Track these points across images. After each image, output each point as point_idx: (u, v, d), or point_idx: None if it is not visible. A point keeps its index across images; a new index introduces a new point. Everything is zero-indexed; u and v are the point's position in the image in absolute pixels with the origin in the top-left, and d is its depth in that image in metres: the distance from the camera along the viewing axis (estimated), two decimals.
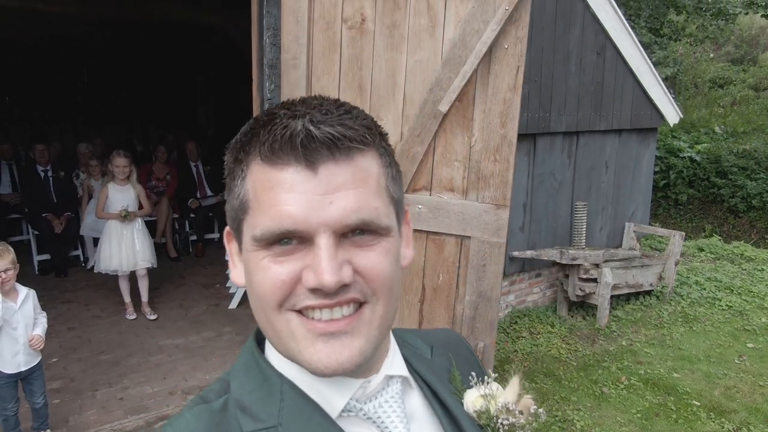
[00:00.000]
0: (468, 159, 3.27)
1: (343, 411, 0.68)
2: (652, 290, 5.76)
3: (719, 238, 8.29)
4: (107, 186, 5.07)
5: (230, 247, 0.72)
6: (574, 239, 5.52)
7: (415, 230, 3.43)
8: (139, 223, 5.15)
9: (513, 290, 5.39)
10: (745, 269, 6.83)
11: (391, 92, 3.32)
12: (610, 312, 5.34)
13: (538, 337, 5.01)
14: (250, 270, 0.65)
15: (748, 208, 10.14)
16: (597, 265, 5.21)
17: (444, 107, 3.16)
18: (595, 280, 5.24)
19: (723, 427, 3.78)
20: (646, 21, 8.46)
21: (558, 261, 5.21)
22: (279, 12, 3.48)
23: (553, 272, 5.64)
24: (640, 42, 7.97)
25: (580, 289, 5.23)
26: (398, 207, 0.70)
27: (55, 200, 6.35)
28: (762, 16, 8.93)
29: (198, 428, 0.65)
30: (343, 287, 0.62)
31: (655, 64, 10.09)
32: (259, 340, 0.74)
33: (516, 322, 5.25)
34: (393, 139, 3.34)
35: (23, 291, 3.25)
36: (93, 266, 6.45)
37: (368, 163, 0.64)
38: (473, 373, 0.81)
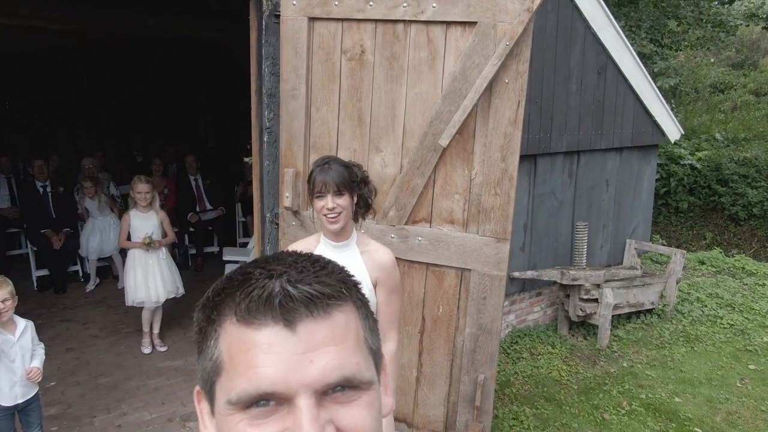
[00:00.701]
0: (468, 192, 3.24)
1: None
2: (654, 308, 5.74)
3: (720, 250, 8.26)
4: (129, 213, 4.90)
5: (200, 408, 0.69)
6: (575, 259, 5.50)
7: (415, 262, 3.41)
8: (163, 252, 5.00)
9: (513, 310, 5.37)
10: (747, 284, 6.81)
11: (391, 124, 3.29)
12: (611, 331, 5.32)
13: (539, 358, 4.99)
14: None
15: (749, 216, 10.13)
16: (598, 286, 5.19)
17: (444, 142, 3.13)
18: (596, 300, 5.22)
19: None
20: (647, 32, 8.43)
21: (559, 281, 5.19)
22: (278, 42, 3.46)
23: (554, 290, 5.62)
24: (641, 53, 7.95)
25: (581, 310, 5.21)
26: (377, 357, 0.69)
27: (53, 216, 6.32)
28: (763, 28, 8.90)
29: None
30: None
31: (657, 75, 10.05)
32: None
33: (516, 342, 5.23)
34: (393, 171, 3.32)
35: (21, 323, 3.24)
36: (93, 289, 6.43)
37: (346, 318, 0.64)
38: None
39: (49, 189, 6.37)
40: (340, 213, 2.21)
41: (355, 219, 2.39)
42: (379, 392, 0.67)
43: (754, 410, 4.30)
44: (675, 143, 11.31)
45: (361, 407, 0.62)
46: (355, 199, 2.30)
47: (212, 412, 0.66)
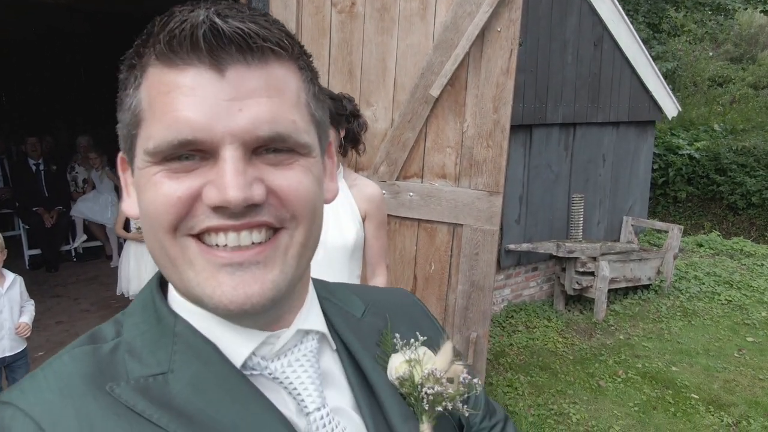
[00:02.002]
0: (460, 145, 3.19)
1: (245, 367, 0.59)
2: (650, 284, 5.69)
3: (718, 233, 8.21)
4: None
5: (125, 177, 0.63)
6: (571, 232, 5.45)
7: (407, 218, 3.35)
8: None
9: (509, 284, 5.31)
10: (745, 264, 6.75)
11: (382, 77, 3.25)
12: (607, 306, 5.27)
13: (534, 330, 4.94)
14: (141, 188, 0.56)
15: (748, 205, 10.08)
16: (594, 258, 5.14)
17: (435, 92, 3.08)
18: (592, 274, 5.17)
19: (722, 421, 3.70)
20: (644, 16, 8.39)
21: (555, 254, 5.13)
22: None
23: (550, 266, 5.57)
24: (639, 38, 7.89)
25: (578, 283, 5.16)
26: (321, 131, 0.61)
27: (46, 194, 6.29)
28: (761, 11, 8.85)
29: (74, 372, 0.55)
30: (253, 208, 0.53)
31: (654, 59, 10.02)
32: (163, 279, 0.64)
33: (512, 316, 5.18)
34: (383, 125, 3.27)
35: (10, 276, 3.22)
36: (78, 245, 6.50)
37: (286, 74, 0.56)
38: (397, 335, 0.69)
39: (42, 167, 6.33)
40: None
41: (343, 153, 2.33)
42: (320, 165, 0.61)
43: (751, 378, 4.24)
44: (672, 133, 11.28)
45: (298, 171, 0.56)
46: (343, 132, 2.25)
47: (133, 175, 0.59)
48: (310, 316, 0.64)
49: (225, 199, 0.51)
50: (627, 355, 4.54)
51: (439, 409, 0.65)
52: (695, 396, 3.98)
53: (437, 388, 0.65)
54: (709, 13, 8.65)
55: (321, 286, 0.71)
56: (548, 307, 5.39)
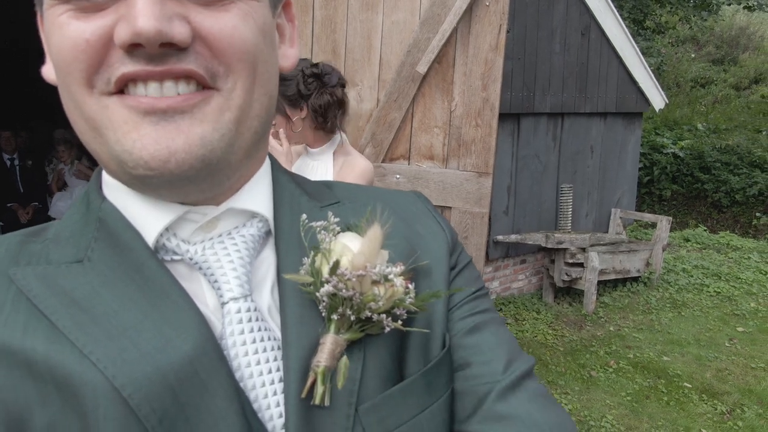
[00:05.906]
0: (448, 125, 3.10)
1: (163, 250, 0.51)
2: (640, 276, 5.63)
3: (705, 228, 8.21)
4: None
5: (44, 36, 0.53)
6: (559, 223, 5.38)
7: None
8: None
9: (497, 276, 5.23)
10: (732, 258, 6.74)
11: (367, 56, 3.14)
12: (597, 298, 5.20)
13: (524, 323, 4.85)
14: (48, 36, 0.47)
15: (732, 202, 10.13)
16: (583, 250, 5.07)
17: (422, 68, 2.99)
18: (581, 265, 5.10)
19: (716, 409, 3.63)
20: (629, 12, 8.40)
21: (544, 245, 5.06)
22: None
23: (539, 259, 5.49)
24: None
25: (567, 274, 5.08)
26: None
27: (21, 190, 6.09)
28: (744, 7, 8.91)
29: None
30: (175, 52, 0.44)
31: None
32: None
33: (500, 309, 5.08)
34: (369, 105, 3.17)
35: None
36: None
37: None
38: (320, 222, 0.53)
39: (17, 162, 6.15)
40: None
41: (329, 129, 2.20)
42: (266, 12, 0.51)
43: (743, 367, 4.18)
44: (657, 132, 11.32)
45: (234, 13, 0.47)
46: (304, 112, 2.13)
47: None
48: (253, 196, 0.54)
49: (135, 30, 0.42)
50: (618, 346, 4.47)
51: (355, 316, 0.49)
52: (688, 385, 3.91)
53: (344, 289, 0.48)
54: (692, 8, 8.67)
55: (286, 173, 0.60)
56: (537, 300, 5.31)
